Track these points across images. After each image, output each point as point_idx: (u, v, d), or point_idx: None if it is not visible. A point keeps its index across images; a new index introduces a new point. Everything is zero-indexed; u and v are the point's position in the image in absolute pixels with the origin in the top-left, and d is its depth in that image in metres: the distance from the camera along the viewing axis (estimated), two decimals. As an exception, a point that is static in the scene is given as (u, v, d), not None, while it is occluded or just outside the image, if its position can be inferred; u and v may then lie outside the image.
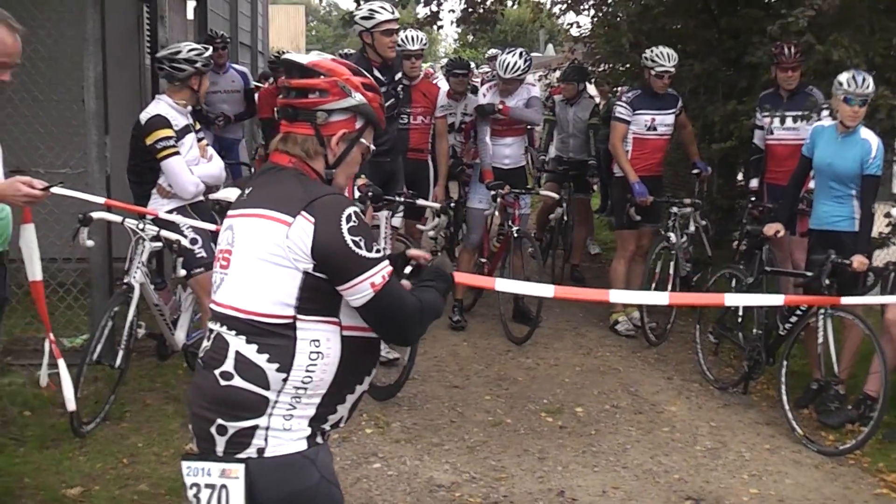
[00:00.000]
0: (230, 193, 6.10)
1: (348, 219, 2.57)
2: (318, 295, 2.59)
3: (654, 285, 7.89)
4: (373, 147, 2.83)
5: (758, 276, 6.65)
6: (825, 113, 7.29)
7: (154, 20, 8.27)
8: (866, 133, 6.22)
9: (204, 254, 5.83)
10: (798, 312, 6.20)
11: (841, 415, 6.12)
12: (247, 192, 2.77)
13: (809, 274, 6.14)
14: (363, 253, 2.56)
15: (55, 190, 4.60)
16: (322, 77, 2.70)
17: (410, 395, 6.42)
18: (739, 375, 6.83)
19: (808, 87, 7.54)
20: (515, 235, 7.80)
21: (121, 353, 5.70)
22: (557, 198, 8.70)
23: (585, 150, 9.76)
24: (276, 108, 2.81)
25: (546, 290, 5.11)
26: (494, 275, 8.34)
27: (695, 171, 8.37)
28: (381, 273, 2.59)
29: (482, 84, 9.39)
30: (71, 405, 5.06)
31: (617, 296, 6.17)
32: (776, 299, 5.88)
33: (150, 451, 5.46)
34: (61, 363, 4.94)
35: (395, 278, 2.69)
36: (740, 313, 6.95)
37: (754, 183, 7.88)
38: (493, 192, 7.78)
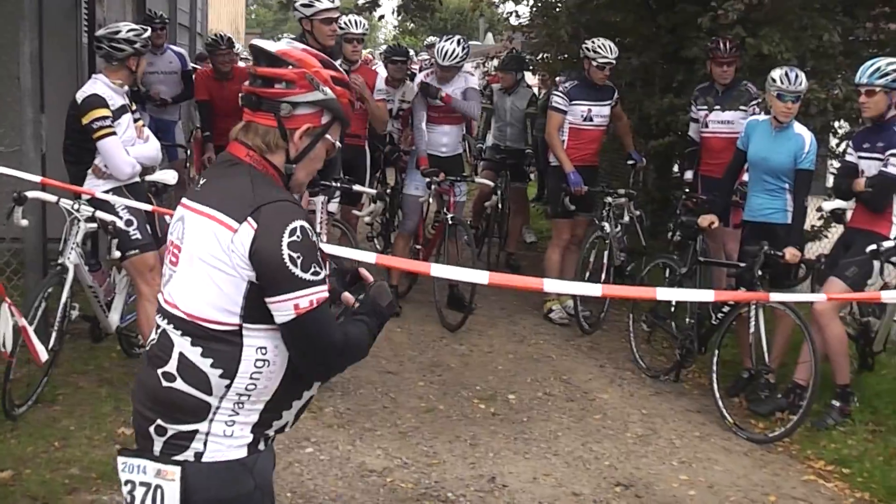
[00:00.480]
0: (167, 176, 6.03)
1: (292, 232, 2.42)
2: (265, 304, 2.47)
3: (588, 274, 7.91)
4: (338, 144, 2.70)
5: (691, 266, 6.73)
6: (758, 108, 7.41)
7: (92, -1, 8.08)
8: (800, 128, 6.32)
9: (139, 235, 5.71)
10: (730, 303, 6.27)
11: (771, 403, 6.22)
12: (201, 182, 2.66)
13: (742, 265, 6.22)
14: (296, 271, 2.41)
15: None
16: (290, 67, 2.56)
17: (344, 379, 6.34)
18: (671, 364, 6.90)
19: (743, 81, 7.63)
20: (451, 223, 7.78)
21: (54, 335, 5.56)
22: (493, 185, 8.69)
23: (522, 139, 9.79)
24: (239, 94, 2.67)
25: (480, 277, 5.11)
26: (430, 261, 8.33)
27: (630, 161, 8.43)
28: (310, 297, 2.44)
29: (420, 71, 9.35)
30: (43, 355, 5.05)
31: (551, 285, 6.16)
32: (707, 294, 5.92)
33: (82, 434, 5.33)
34: (24, 322, 4.92)
35: (328, 308, 2.54)
36: (673, 303, 7.02)
37: (689, 175, 7.95)
38: (427, 180, 7.74)
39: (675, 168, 9.45)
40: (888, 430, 5.98)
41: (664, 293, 5.91)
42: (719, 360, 6.34)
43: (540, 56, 10.27)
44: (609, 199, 7.97)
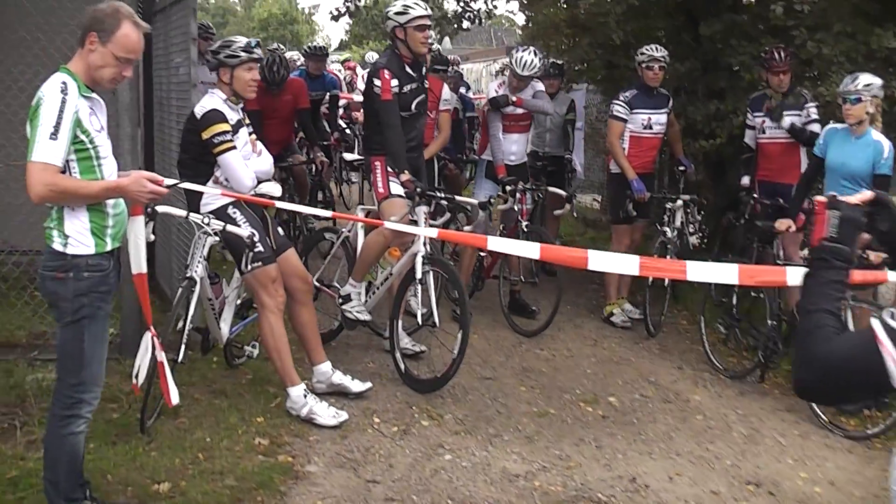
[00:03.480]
0: (273, 189, 6.11)
1: None
2: None
3: (650, 279, 8.17)
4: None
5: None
6: (812, 110, 7.72)
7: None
8: (877, 135, 6.66)
9: (261, 248, 5.78)
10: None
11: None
12: None
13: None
14: None
15: (182, 185, 4.56)
16: None
17: (448, 386, 6.52)
18: (753, 365, 7.16)
19: (797, 87, 7.94)
20: (525, 230, 7.96)
21: (183, 348, 5.65)
22: (566, 194, 8.87)
23: (562, 146, 9.97)
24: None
25: (532, 250, 5.44)
26: (493, 270, 8.56)
27: (681, 167, 8.69)
28: None
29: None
30: (175, 398, 4.99)
31: (596, 262, 5.47)
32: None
33: (220, 445, 5.43)
34: (163, 357, 4.88)
35: None
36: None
37: (746, 180, 8.25)
38: (509, 188, 7.93)
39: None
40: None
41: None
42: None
43: (578, 65, 10.44)
44: (669, 205, 8.24)
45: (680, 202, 8.24)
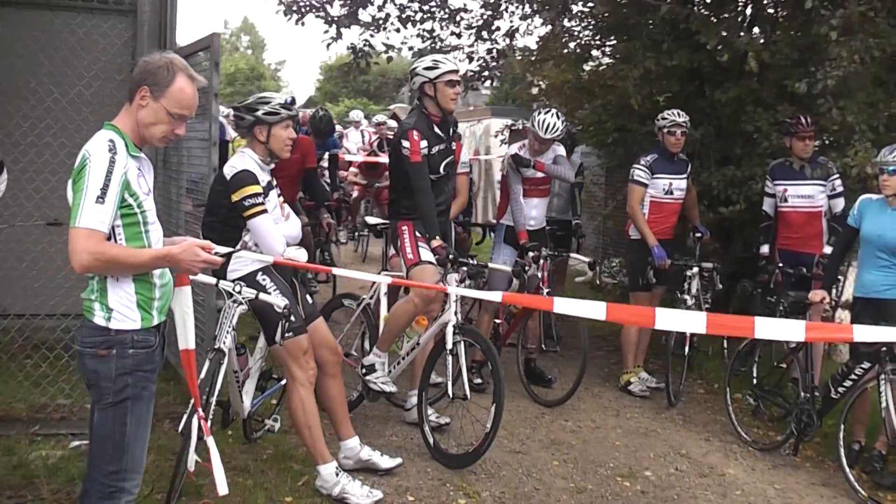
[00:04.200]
0: (300, 254, 5.85)
1: None
2: None
3: (671, 347, 8.03)
4: None
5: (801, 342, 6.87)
6: (837, 182, 7.71)
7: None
8: (914, 206, 6.57)
9: (292, 318, 5.54)
10: (853, 377, 6.43)
11: (893, 475, 6.39)
12: None
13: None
14: None
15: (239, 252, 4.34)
16: None
17: (479, 461, 6.28)
18: (784, 437, 6.99)
19: (821, 157, 7.91)
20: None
21: (209, 424, 5.37)
22: (589, 261, 8.70)
23: (569, 210, 9.86)
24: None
25: (598, 311, 5.13)
26: (509, 338, 8.38)
27: (697, 234, 8.59)
28: None
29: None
30: (223, 488, 4.62)
31: (663, 320, 5.41)
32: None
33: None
34: (210, 441, 4.56)
35: None
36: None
37: (765, 249, 8.17)
38: (532, 253, 7.77)
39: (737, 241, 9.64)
40: None
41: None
42: (846, 434, 6.46)
43: (589, 127, 10.37)
44: (689, 272, 8.12)
45: (696, 269, 8.14)
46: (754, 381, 7.51)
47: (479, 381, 8.01)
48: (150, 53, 3.93)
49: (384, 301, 6.97)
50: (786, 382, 7.43)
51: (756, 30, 9.21)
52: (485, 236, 10.71)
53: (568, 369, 8.51)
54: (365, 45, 10.35)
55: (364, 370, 6.73)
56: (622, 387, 8.40)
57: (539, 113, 8.05)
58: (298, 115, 6.01)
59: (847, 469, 6.31)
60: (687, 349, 7.98)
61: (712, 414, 7.92)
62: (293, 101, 5.91)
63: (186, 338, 4.38)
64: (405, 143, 6.48)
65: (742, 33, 8.66)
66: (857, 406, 6.68)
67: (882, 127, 8.00)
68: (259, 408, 6.31)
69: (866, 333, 5.33)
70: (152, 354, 3.85)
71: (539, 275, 7.85)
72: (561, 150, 8.28)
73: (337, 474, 5.61)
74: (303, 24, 10.08)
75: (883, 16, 7.79)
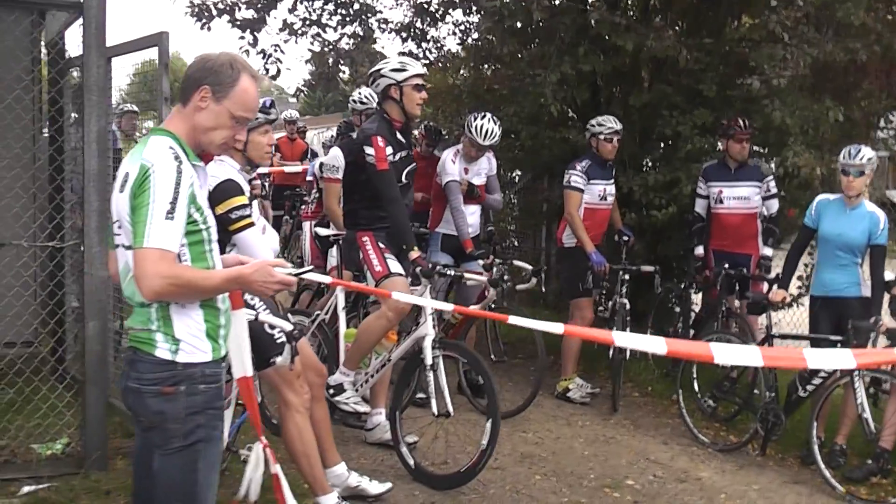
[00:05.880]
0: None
1: None
2: None
3: (611, 351, 7.97)
4: None
5: (765, 340, 6.90)
6: (772, 183, 7.84)
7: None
8: (871, 206, 6.73)
9: (283, 338, 5.08)
10: (822, 375, 6.50)
11: (863, 469, 6.51)
12: None
13: (838, 338, 6.45)
14: None
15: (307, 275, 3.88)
16: None
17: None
18: (747, 437, 7.00)
19: (754, 159, 8.03)
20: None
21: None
22: (532, 268, 8.46)
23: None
24: None
25: (659, 345, 4.94)
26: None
27: (624, 237, 8.53)
28: None
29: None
30: None
31: (721, 355, 5.34)
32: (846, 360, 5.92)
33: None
34: (278, 469, 4.11)
35: None
36: (734, 375, 7.25)
37: (700, 250, 8.21)
38: (482, 261, 7.49)
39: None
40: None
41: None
42: (818, 431, 6.51)
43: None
44: (626, 276, 8.05)
45: (631, 272, 8.10)
46: (694, 383, 7.53)
47: (421, 395, 7.65)
48: (209, 53, 3.42)
49: (342, 316, 6.56)
50: (743, 382, 7.45)
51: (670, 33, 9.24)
52: None
53: (515, 379, 8.33)
54: (276, 49, 9.74)
55: (332, 391, 6.28)
56: (560, 394, 8.22)
57: (475, 118, 7.77)
58: (279, 118, 5.49)
59: (823, 466, 6.35)
60: (627, 355, 7.92)
61: (656, 417, 7.88)
62: (272, 105, 5.44)
63: (245, 364, 3.92)
64: (369, 150, 6.08)
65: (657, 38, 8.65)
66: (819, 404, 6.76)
67: (811, 130, 8.19)
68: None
69: (818, 360, 5.39)
70: (221, 390, 3.39)
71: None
72: (493, 160, 8.08)
73: (341, 505, 5.20)
74: (209, 28, 9.43)
75: (809, 26, 7.94)
